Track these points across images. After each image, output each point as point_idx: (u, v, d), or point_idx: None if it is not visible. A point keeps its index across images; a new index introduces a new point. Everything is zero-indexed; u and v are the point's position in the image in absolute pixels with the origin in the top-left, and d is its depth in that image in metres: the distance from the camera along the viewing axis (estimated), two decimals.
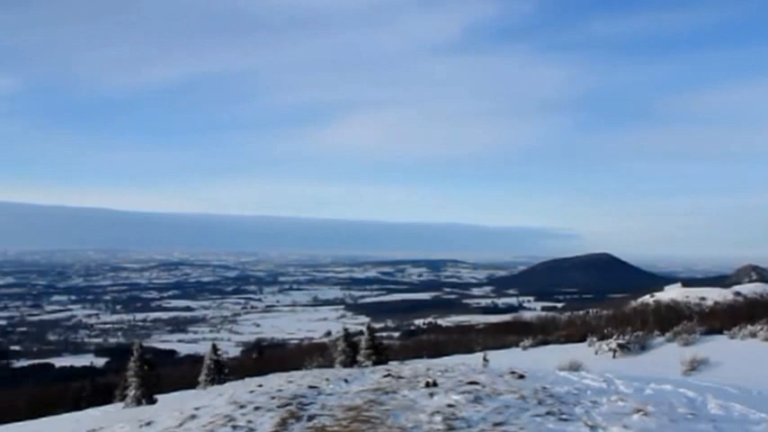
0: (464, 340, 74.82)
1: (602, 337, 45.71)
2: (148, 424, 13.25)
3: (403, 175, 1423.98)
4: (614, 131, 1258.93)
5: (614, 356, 39.90)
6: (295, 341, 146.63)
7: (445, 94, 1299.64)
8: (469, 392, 12.92)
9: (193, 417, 12.75)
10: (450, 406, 11.77)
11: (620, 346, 40.74)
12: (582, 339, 50.58)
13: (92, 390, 55.92)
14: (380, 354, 38.54)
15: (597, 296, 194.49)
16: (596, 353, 41.82)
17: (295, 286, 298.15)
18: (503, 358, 39.57)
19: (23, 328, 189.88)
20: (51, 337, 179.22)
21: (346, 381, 16.00)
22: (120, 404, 37.67)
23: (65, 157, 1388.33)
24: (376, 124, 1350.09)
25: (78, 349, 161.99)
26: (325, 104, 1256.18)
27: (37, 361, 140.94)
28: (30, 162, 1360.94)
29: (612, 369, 22.57)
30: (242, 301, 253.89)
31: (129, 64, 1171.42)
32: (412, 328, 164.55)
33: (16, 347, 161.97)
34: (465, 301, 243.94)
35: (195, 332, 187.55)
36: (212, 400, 14.97)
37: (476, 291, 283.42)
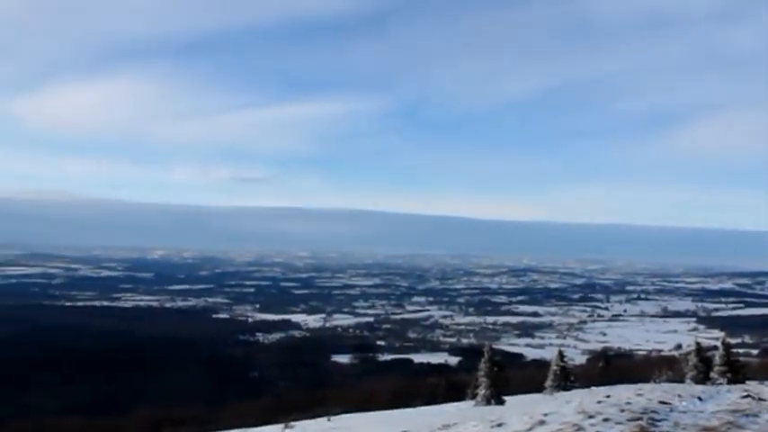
0: None
1: None
2: (499, 425, 13.83)
3: (759, 179, 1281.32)
4: None
5: None
6: (642, 352, 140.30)
7: None
8: None
9: (542, 422, 13.04)
10: None
11: None
12: None
13: (445, 386, 59.29)
14: (736, 372, 35.36)
15: None
16: None
17: (643, 296, 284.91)
18: None
19: (387, 326, 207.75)
20: (411, 335, 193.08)
21: (700, 398, 15.15)
22: (471, 402, 39.42)
23: (426, 169, 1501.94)
24: (730, 125, 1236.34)
25: (434, 347, 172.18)
26: (676, 108, 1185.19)
27: (398, 356, 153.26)
28: (398, 173, 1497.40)
29: None
30: (588, 308, 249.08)
31: (484, 79, 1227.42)
32: None
33: (381, 342, 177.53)
34: None
35: (542, 337, 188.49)
36: (560, 407, 15.15)
37: None
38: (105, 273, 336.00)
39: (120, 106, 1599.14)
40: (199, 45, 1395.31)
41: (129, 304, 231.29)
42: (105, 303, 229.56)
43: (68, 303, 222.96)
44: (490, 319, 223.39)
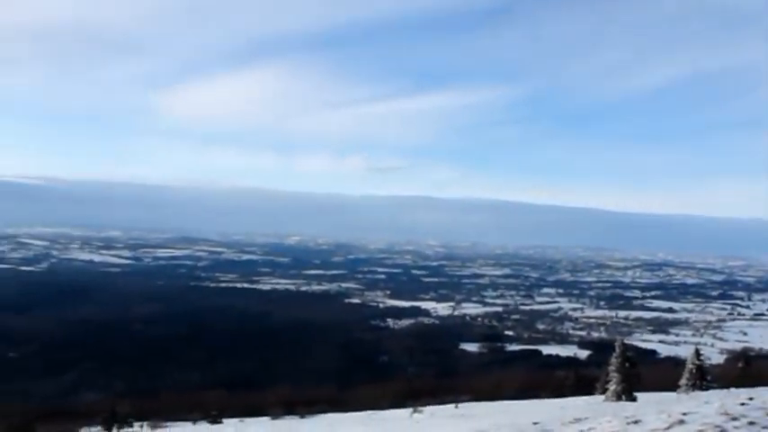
0: None
1: None
2: (635, 422, 13.69)
3: None
4: None
5: None
6: None
7: None
8: None
9: (681, 422, 12.82)
10: None
11: None
12: None
13: (574, 380, 58.37)
14: None
15: None
16: None
17: None
18: None
19: (516, 316, 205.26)
20: (539, 326, 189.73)
21: None
22: (600, 397, 38.75)
23: (558, 160, 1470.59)
24: None
25: (563, 340, 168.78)
26: None
27: (526, 347, 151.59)
28: (529, 164, 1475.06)
29: None
30: (728, 306, 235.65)
31: (620, 69, 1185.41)
32: None
33: (509, 333, 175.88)
34: None
35: (676, 334, 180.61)
36: (699, 407, 14.81)
37: None
38: (246, 257, 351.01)
39: (259, 99, 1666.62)
40: (333, 39, 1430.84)
41: (267, 287, 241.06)
42: (246, 285, 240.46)
43: (212, 284, 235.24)
44: (622, 313, 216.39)
